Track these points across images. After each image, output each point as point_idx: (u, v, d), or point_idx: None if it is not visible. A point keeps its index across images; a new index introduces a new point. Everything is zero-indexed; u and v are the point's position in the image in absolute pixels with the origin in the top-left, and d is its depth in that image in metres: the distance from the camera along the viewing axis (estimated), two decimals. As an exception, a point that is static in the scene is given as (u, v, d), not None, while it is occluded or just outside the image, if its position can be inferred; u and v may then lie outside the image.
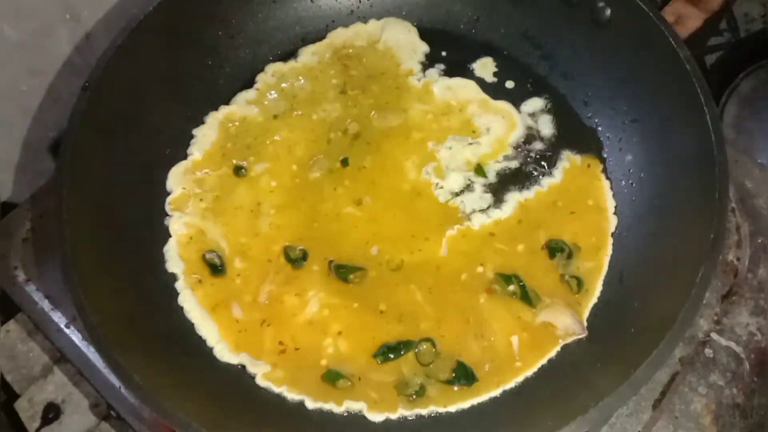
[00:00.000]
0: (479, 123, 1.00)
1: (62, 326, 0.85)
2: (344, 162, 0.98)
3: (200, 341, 0.86)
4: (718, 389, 0.83)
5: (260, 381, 0.83)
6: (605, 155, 0.97)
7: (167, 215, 0.94)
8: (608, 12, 0.97)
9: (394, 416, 0.80)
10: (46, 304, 0.87)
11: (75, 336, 0.85)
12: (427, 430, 0.79)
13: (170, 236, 0.92)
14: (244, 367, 0.84)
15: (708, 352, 0.86)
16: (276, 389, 0.82)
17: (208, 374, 0.83)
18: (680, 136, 0.88)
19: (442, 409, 0.80)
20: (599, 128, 0.99)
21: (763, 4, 0.99)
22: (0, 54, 0.93)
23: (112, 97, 0.91)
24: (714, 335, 0.87)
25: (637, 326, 0.78)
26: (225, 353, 0.84)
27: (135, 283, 0.85)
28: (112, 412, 0.83)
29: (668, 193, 0.88)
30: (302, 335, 0.85)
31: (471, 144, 0.98)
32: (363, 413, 0.80)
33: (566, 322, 0.83)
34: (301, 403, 0.81)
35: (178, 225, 0.93)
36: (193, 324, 0.87)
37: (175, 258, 0.91)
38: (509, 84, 1.04)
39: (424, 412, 0.80)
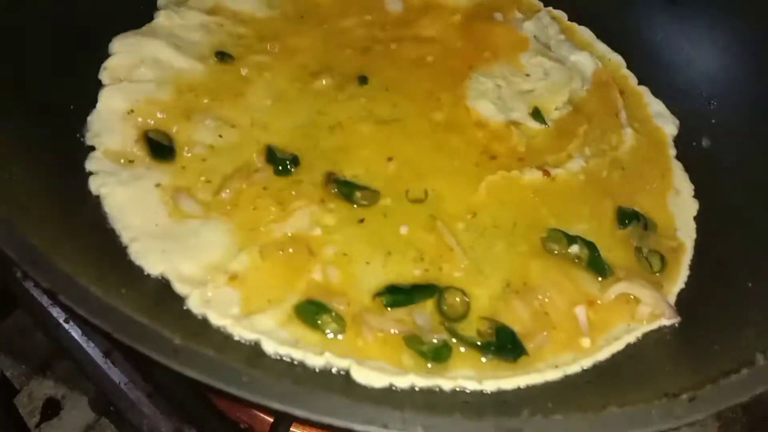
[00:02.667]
0: (533, 65, 0.81)
1: (61, 321, 0.77)
2: (362, 80, 0.77)
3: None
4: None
5: (193, 306, 0.54)
6: (677, 139, 0.80)
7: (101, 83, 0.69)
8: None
9: (400, 384, 0.51)
10: (44, 300, 0.77)
11: (74, 331, 0.76)
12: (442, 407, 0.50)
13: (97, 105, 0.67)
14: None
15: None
16: (217, 322, 0.53)
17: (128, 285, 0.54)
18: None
19: (472, 386, 0.52)
20: (672, 111, 0.82)
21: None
22: None
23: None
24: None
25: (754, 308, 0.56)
26: (142, 256, 0.56)
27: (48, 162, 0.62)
28: (111, 408, 0.76)
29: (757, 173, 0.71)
30: (276, 252, 0.57)
31: (524, 92, 0.79)
32: (350, 373, 0.51)
33: (652, 300, 0.59)
34: (257, 345, 0.52)
35: (113, 94, 0.68)
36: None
37: (101, 132, 0.64)
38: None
39: (446, 385, 0.52)
